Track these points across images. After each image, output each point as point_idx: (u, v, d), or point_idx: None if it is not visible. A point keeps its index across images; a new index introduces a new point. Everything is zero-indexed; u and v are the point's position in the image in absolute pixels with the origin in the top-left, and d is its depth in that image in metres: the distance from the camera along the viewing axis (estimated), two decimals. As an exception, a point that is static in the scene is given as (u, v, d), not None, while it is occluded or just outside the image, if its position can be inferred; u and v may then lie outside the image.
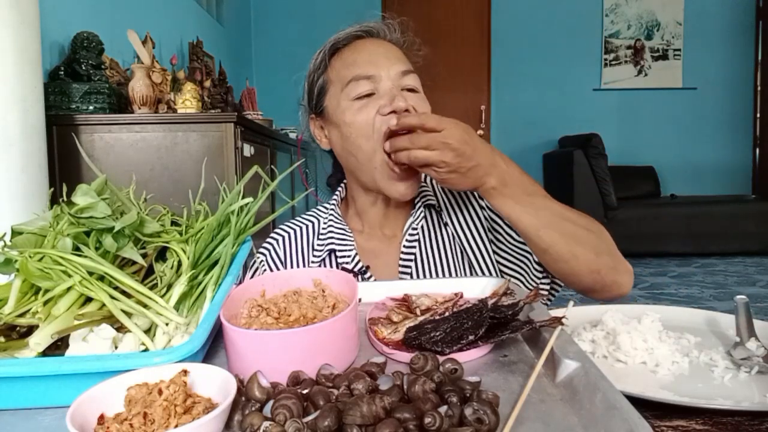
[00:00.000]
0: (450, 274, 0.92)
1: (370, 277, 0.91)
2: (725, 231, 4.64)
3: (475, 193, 0.96)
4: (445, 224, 0.95)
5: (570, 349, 0.44)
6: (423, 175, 1.02)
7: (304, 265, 0.97)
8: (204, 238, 0.57)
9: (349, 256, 0.92)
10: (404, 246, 0.93)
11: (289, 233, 1.00)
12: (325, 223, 0.98)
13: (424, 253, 0.93)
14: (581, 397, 0.38)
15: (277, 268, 0.98)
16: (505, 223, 0.92)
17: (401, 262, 0.92)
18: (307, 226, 1.01)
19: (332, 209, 0.99)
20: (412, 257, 0.92)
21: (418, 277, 0.92)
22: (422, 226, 0.95)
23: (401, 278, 0.91)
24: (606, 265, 0.80)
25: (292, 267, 0.97)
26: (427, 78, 0.97)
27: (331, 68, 0.92)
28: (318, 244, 0.96)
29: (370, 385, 0.39)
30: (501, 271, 0.94)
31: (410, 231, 0.93)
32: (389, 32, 0.94)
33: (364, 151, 0.86)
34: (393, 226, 0.96)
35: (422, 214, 0.95)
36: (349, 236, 0.95)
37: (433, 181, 1.01)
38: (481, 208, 0.95)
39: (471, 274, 0.92)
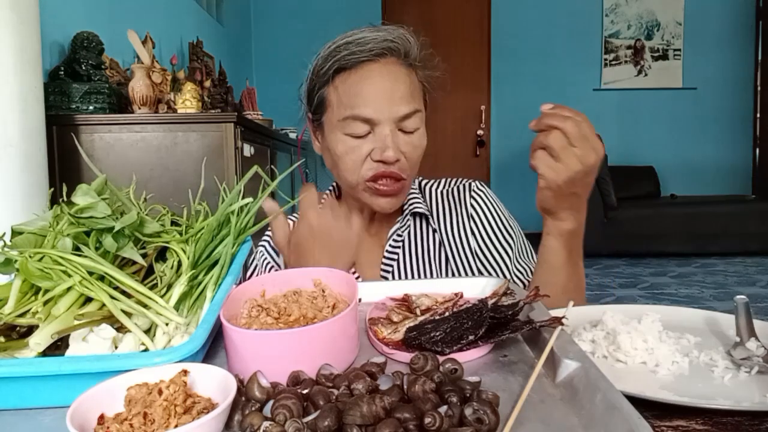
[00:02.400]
0: (430, 278, 0.93)
1: (353, 272, 0.93)
2: (725, 231, 4.64)
3: (469, 213, 0.97)
4: (434, 231, 0.96)
5: (570, 349, 0.44)
6: (419, 183, 1.02)
7: None
8: (204, 238, 0.57)
9: None
10: (387, 251, 0.94)
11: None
12: None
13: (407, 256, 0.94)
14: (581, 397, 0.38)
15: (274, 261, 0.99)
16: (491, 258, 0.95)
17: (383, 266, 0.94)
18: None
19: None
20: (395, 260, 0.94)
21: (399, 278, 0.93)
22: (408, 233, 0.96)
23: (382, 279, 0.93)
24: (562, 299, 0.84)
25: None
26: (434, 87, 0.95)
27: (333, 87, 0.87)
28: None
29: (370, 385, 0.39)
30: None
31: (395, 237, 0.94)
32: (404, 48, 0.87)
33: (349, 181, 0.88)
34: (378, 228, 0.98)
35: (408, 222, 0.96)
36: None
37: (433, 188, 1.01)
38: (472, 233, 0.96)
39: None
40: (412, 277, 0.93)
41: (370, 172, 0.85)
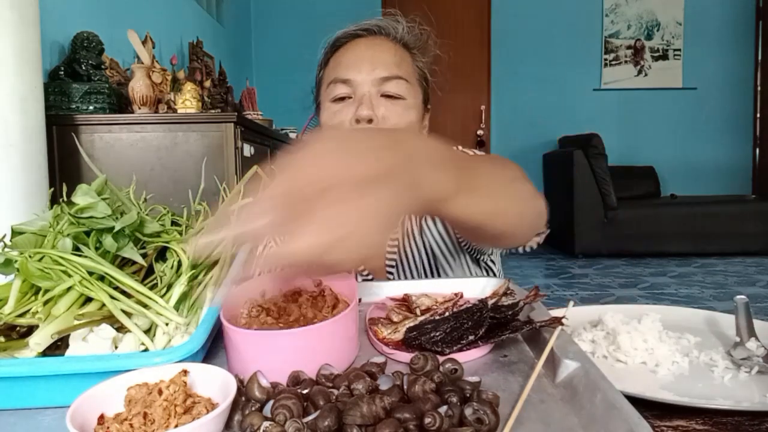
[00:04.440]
0: (433, 269, 0.92)
1: (363, 270, 0.91)
2: (725, 231, 4.64)
3: None
4: (423, 229, 0.93)
5: (570, 349, 0.44)
6: None
7: None
8: (204, 238, 0.57)
9: None
10: (389, 244, 0.92)
11: None
12: None
13: (404, 257, 0.93)
14: (581, 397, 0.38)
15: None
16: None
17: (387, 261, 0.92)
18: None
19: None
20: (395, 253, 0.92)
21: (403, 271, 0.92)
22: (404, 230, 0.94)
23: (387, 273, 0.92)
24: (538, 220, 0.64)
25: None
26: (436, 79, 0.96)
27: (327, 66, 0.92)
28: None
29: (370, 385, 0.39)
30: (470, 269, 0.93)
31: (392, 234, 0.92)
32: (393, 30, 0.91)
33: None
34: None
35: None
36: None
37: None
38: None
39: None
40: (416, 269, 0.92)
41: None
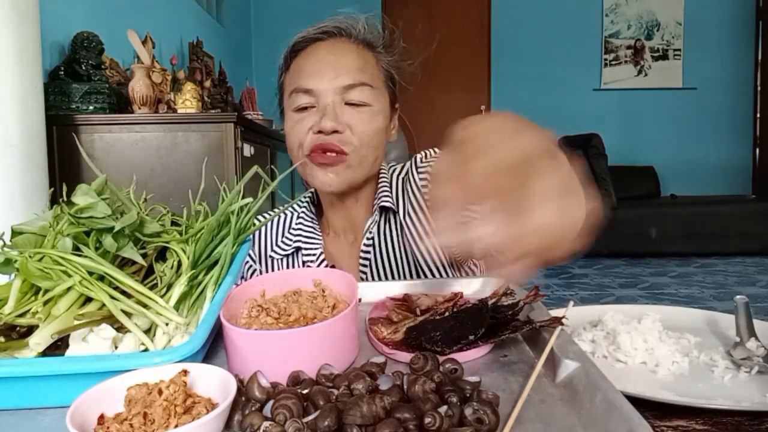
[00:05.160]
0: (404, 276, 0.89)
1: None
2: (725, 231, 4.64)
3: (423, 194, 0.88)
4: (401, 227, 0.90)
5: (570, 349, 0.44)
6: (390, 172, 0.95)
7: (266, 258, 0.96)
8: (204, 238, 0.57)
9: (314, 255, 0.91)
10: (362, 250, 0.90)
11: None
12: (297, 219, 0.97)
13: (378, 259, 0.90)
14: (581, 397, 0.38)
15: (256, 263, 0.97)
16: None
17: (361, 268, 0.90)
18: (278, 219, 0.98)
19: (305, 206, 0.97)
20: (368, 260, 0.90)
21: (377, 278, 0.89)
22: (377, 229, 0.91)
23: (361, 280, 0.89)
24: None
25: (258, 260, 0.96)
26: (412, 79, 0.93)
27: (288, 71, 0.89)
28: (286, 239, 0.95)
29: (370, 385, 0.39)
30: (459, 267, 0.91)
31: (367, 234, 0.90)
32: (354, 31, 0.88)
33: (295, 157, 0.87)
34: (355, 231, 0.94)
35: (376, 217, 0.91)
36: (318, 236, 0.93)
37: (399, 176, 0.94)
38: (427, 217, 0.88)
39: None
40: (388, 275, 0.89)
41: (311, 146, 0.83)
